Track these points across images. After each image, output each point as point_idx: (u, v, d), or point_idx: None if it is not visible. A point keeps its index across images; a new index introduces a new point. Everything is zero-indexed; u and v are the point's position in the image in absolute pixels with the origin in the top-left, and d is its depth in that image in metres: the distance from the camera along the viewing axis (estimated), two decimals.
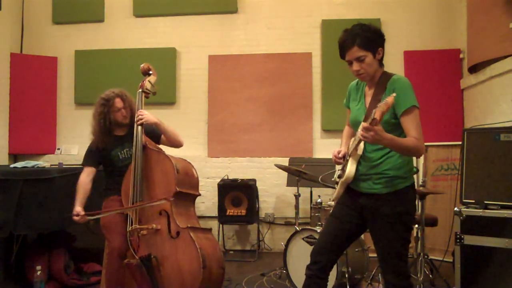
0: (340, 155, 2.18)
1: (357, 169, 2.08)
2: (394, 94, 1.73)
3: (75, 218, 2.71)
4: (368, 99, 2.11)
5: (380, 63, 2.09)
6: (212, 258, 2.62)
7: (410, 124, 1.95)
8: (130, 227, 2.71)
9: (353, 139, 2.16)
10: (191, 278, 2.53)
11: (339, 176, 2.18)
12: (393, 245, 2.02)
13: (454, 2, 4.97)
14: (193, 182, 2.93)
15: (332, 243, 2.16)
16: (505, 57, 3.67)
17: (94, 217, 2.81)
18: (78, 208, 2.74)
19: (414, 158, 2.59)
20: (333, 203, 3.62)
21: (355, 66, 2.04)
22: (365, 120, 1.95)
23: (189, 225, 2.66)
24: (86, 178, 2.89)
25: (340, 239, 2.17)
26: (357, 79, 2.24)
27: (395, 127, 2.00)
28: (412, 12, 5.06)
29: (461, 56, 4.84)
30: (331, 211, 2.31)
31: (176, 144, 3.03)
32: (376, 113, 1.70)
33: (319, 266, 2.13)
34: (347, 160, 2.12)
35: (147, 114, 2.86)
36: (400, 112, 1.96)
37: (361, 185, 2.09)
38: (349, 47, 2.01)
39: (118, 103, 2.93)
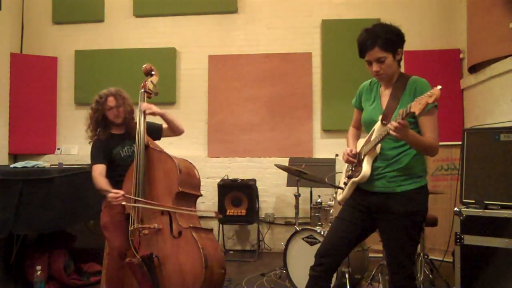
0: (353, 153, 2.17)
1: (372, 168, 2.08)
2: (440, 87, 1.72)
3: (114, 196, 2.61)
4: (385, 99, 2.11)
5: (398, 63, 2.10)
6: (213, 259, 2.61)
7: (429, 124, 1.98)
8: (131, 227, 2.71)
9: (363, 139, 2.18)
10: (193, 278, 2.53)
11: (349, 176, 2.17)
12: (404, 245, 2.03)
13: (454, 2, 4.97)
14: (195, 183, 2.94)
15: (337, 245, 2.16)
16: (505, 57, 3.68)
17: (133, 204, 2.67)
18: (115, 190, 2.66)
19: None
20: (332, 203, 3.64)
21: (375, 66, 2.05)
22: (384, 119, 2.01)
23: (191, 225, 2.67)
24: (99, 174, 2.81)
25: (345, 241, 2.16)
26: (370, 80, 2.25)
27: (414, 125, 2.01)
28: (412, 12, 5.06)
29: (461, 56, 4.85)
30: (338, 213, 2.30)
31: (179, 132, 3.08)
32: (414, 107, 1.73)
33: (323, 268, 2.13)
34: (362, 160, 2.11)
35: (153, 106, 2.89)
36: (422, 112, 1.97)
37: (374, 184, 2.08)
38: (370, 48, 2.01)
39: (111, 101, 2.91)
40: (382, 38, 1.99)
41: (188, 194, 2.82)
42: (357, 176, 2.10)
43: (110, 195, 2.64)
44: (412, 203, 2.02)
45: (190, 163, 2.96)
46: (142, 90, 2.95)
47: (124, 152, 2.97)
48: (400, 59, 2.09)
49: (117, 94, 2.95)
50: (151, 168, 2.81)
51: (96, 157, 2.90)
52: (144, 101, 2.94)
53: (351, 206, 2.19)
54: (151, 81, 3.00)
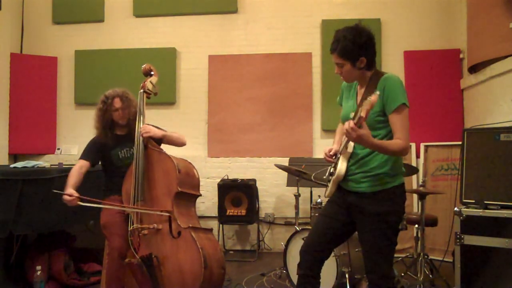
0: (331, 153, 2.19)
1: (347, 167, 2.09)
2: (378, 93, 1.75)
3: (67, 198, 2.60)
4: (360, 98, 2.13)
5: (369, 67, 2.07)
6: (213, 259, 2.62)
7: (398, 123, 1.96)
8: (131, 227, 2.71)
9: (344, 136, 2.18)
10: (192, 278, 2.53)
11: (331, 174, 2.19)
12: (378, 245, 2.02)
13: (454, 2, 4.97)
14: (194, 183, 2.94)
15: (320, 242, 2.17)
16: (505, 57, 3.68)
17: (86, 204, 2.61)
18: (71, 189, 2.64)
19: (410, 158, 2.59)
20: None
21: (336, 69, 2.10)
22: (353, 118, 1.97)
23: (190, 225, 2.67)
24: (78, 169, 2.81)
25: (329, 237, 2.17)
26: None
27: (385, 124, 2.01)
28: (412, 12, 5.06)
29: (461, 56, 4.85)
30: (321, 210, 2.32)
31: (181, 146, 3.07)
32: (362, 111, 1.74)
33: (308, 265, 2.14)
34: (338, 158, 2.13)
35: (153, 129, 2.87)
36: (390, 110, 1.97)
37: (349, 184, 2.10)
38: (332, 51, 2.06)
39: (117, 103, 2.93)
40: (341, 45, 2.00)
41: (187, 194, 2.82)
42: (335, 175, 2.12)
43: (64, 197, 2.61)
44: (386, 203, 2.01)
45: (190, 163, 2.96)
46: (142, 91, 2.95)
47: (123, 154, 2.97)
48: (365, 66, 2.05)
49: (124, 96, 2.95)
50: (150, 168, 2.81)
51: (85, 153, 2.93)
52: (143, 101, 2.93)
53: (334, 203, 2.20)
54: (150, 81, 3.00)
